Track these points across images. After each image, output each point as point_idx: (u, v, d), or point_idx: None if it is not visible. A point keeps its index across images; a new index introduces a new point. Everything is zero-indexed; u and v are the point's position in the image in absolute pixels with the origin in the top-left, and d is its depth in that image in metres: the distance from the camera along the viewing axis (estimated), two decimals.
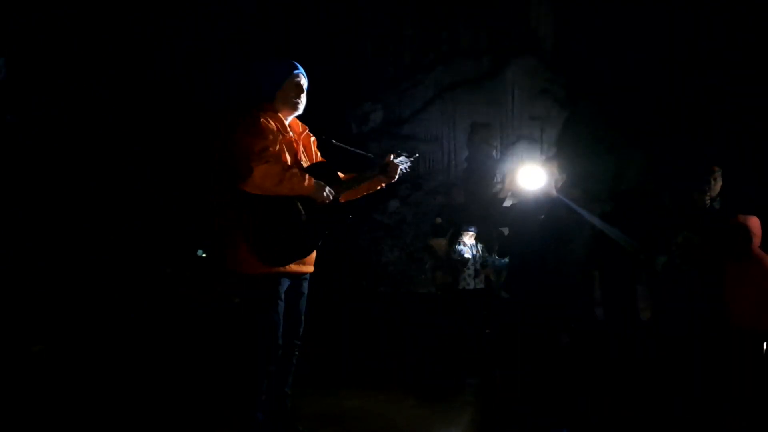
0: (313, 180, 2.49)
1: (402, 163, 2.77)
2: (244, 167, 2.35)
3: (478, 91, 9.75)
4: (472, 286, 7.26)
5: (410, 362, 4.58)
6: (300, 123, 2.72)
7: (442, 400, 3.63)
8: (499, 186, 5.30)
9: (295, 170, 2.47)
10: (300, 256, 2.53)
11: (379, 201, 8.75)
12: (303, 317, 2.70)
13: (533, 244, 4.09)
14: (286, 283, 2.57)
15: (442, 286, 6.78)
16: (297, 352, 2.68)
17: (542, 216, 4.02)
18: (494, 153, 9.24)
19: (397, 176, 2.75)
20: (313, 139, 2.73)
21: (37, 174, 6.26)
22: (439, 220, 8.04)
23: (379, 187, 2.81)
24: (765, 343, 4.56)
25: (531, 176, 4.06)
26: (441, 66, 9.94)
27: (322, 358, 4.68)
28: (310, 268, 2.67)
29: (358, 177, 2.71)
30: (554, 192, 4.08)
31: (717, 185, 5.47)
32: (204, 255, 7.60)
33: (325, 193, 2.52)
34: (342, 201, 2.68)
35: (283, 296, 2.55)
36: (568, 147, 10.29)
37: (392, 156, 2.77)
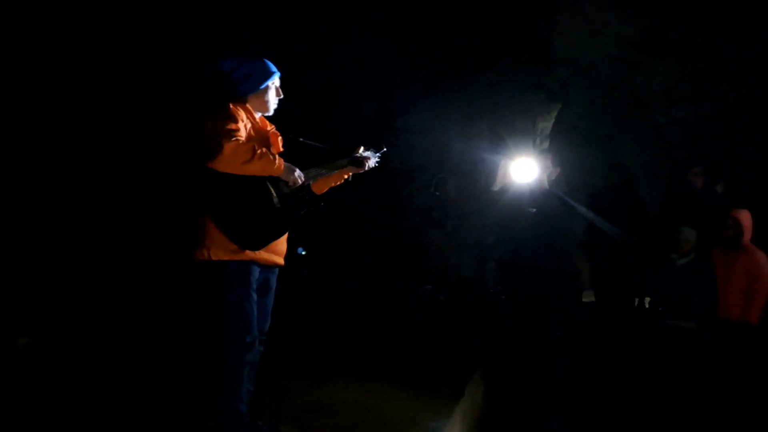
0: (282, 161, 2.50)
1: (371, 157, 2.80)
2: (214, 144, 2.34)
3: (471, 83, 9.72)
4: (472, 277, 7.25)
5: (403, 354, 4.58)
6: (267, 121, 2.73)
7: (435, 392, 3.63)
8: (491, 179, 5.27)
9: (266, 150, 2.47)
10: (273, 238, 2.52)
11: (372, 193, 8.72)
12: (269, 313, 2.69)
13: (525, 237, 4.09)
14: (256, 272, 2.56)
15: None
16: (262, 348, 2.64)
17: (534, 209, 4.02)
18: (487, 146, 9.23)
19: (366, 167, 2.78)
20: (280, 138, 2.74)
21: (23, 165, 6.21)
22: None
23: (346, 176, 2.83)
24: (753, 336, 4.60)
25: (523, 169, 4.05)
26: (434, 59, 9.90)
27: (313, 350, 4.68)
28: (281, 261, 2.67)
29: (329, 165, 2.73)
30: (546, 185, 4.08)
31: (698, 183, 5.53)
32: (304, 253, 7.48)
33: (295, 175, 2.53)
34: (315, 191, 2.71)
35: (254, 285, 2.54)
36: (561, 139, 10.30)
37: (362, 149, 2.80)
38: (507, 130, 9.40)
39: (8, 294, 5.00)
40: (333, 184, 2.83)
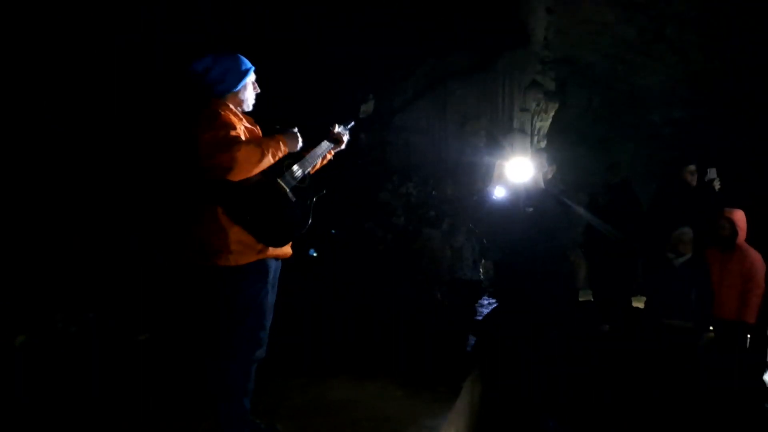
0: (281, 136, 2.54)
1: (344, 132, 2.90)
2: (225, 158, 2.34)
3: (469, 82, 9.72)
4: (468, 277, 7.28)
5: (400, 352, 4.60)
6: (245, 116, 2.74)
7: (431, 390, 3.64)
8: (488, 178, 5.29)
9: (265, 139, 2.51)
10: (298, 232, 2.58)
11: (370, 191, 8.74)
12: (272, 308, 2.70)
13: (522, 236, 4.10)
14: (273, 267, 2.60)
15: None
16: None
17: (530, 208, 4.03)
18: (484, 145, 9.24)
19: (344, 144, 2.88)
20: (258, 128, 2.75)
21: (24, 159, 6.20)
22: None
23: (329, 156, 2.90)
24: (748, 335, 4.62)
25: (519, 168, 4.06)
26: (432, 58, 9.89)
27: (310, 348, 4.69)
28: (290, 251, 2.70)
29: (317, 149, 2.77)
30: (542, 184, 4.09)
31: (693, 182, 5.55)
32: (315, 254, 7.52)
33: (299, 141, 2.60)
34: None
35: (271, 281, 2.59)
36: (559, 139, 10.32)
37: (337, 126, 2.88)
38: (504, 129, 9.41)
39: (5, 292, 5.00)
40: (318, 166, 2.87)
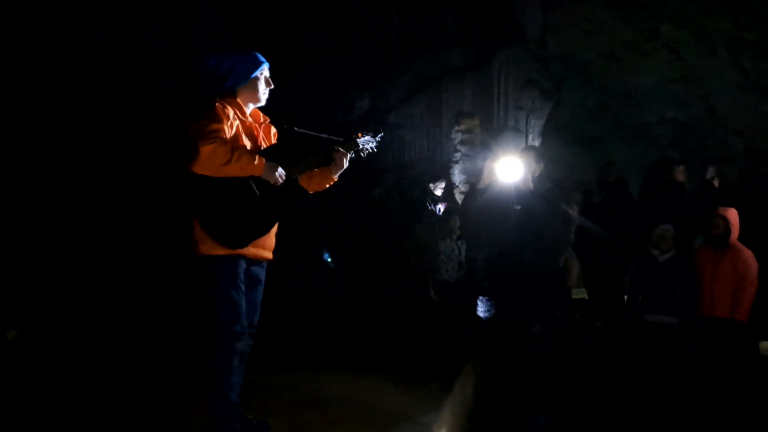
0: (263, 160, 2.47)
1: (368, 142, 2.76)
2: (192, 148, 2.34)
3: (464, 80, 9.72)
4: (454, 279, 7.32)
5: (393, 349, 4.60)
6: (261, 114, 2.71)
7: (423, 386, 3.64)
8: (479, 176, 5.27)
9: (244, 150, 2.47)
10: (256, 235, 2.52)
11: (364, 188, 8.74)
12: (259, 306, 2.69)
13: (510, 235, 4.09)
14: (243, 265, 2.57)
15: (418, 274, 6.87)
16: (251, 342, 2.65)
17: (518, 206, 4.01)
18: (479, 143, 9.25)
19: (345, 164, 2.67)
20: (274, 131, 2.73)
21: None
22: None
23: (328, 184, 2.74)
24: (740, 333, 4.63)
25: (509, 167, 4.05)
26: (427, 55, 9.88)
27: (302, 344, 4.69)
28: (269, 255, 2.67)
29: (312, 159, 2.66)
30: (531, 183, 4.07)
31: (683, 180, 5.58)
32: (330, 260, 7.51)
33: (276, 174, 2.49)
34: (310, 190, 2.68)
35: (242, 277, 2.56)
36: (553, 138, 10.33)
37: (361, 134, 2.75)
38: (499, 127, 9.42)
39: None
40: (318, 185, 2.74)
